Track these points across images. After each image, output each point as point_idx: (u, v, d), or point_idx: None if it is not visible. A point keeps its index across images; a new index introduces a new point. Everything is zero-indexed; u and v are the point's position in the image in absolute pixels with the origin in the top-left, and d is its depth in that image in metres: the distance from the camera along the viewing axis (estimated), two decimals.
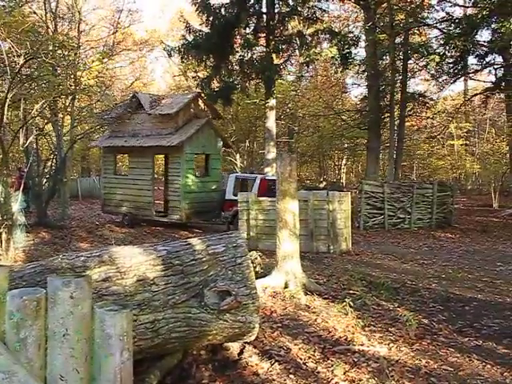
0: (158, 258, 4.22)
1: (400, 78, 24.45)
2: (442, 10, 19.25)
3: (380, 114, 22.60)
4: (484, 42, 17.32)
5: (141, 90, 38.69)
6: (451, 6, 21.29)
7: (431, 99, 26.47)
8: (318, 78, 37.61)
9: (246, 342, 4.93)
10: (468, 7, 17.05)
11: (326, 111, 30.19)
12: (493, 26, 14.24)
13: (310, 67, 34.69)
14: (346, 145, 36.42)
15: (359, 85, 30.08)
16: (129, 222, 16.89)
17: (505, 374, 4.67)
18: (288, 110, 33.88)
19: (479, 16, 13.26)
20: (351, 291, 7.50)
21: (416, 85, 36.35)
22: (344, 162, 41.63)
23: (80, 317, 2.67)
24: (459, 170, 37.16)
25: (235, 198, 14.36)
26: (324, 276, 8.69)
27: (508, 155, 31.98)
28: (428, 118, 29.69)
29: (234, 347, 4.96)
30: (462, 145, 36.28)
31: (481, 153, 35.70)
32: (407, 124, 30.45)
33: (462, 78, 34.00)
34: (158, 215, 17.15)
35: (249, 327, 4.36)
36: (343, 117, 28.34)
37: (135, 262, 4.13)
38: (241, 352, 4.92)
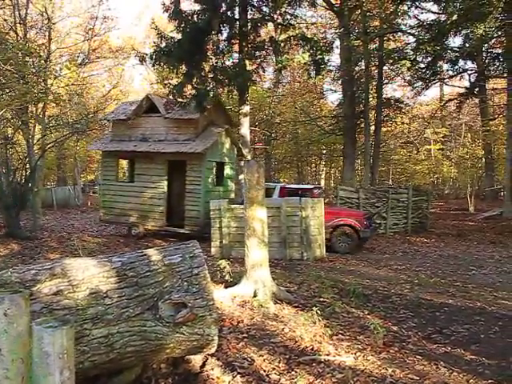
0: (112, 269, 4.07)
1: (375, 83, 24.65)
2: (415, 17, 19.41)
3: (355, 119, 22.68)
4: (455, 47, 17.47)
5: (118, 98, 38.48)
6: (423, 13, 21.54)
7: (407, 105, 26.71)
8: (295, 84, 37.67)
9: (209, 354, 4.78)
10: (439, 14, 17.19)
11: (303, 117, 30.24)
12: (462, 32, 14.35)
13: (288, 73, 35.05)
14: (324, 151, 36.54)
15: (335, 91, 30.22)
16: (137, 233, 15.72)
17: (470, 381, 4.61)
18: (264, 117, 33.85)
19: (448, 22, 13.34)
20: (322, 299, 7.40)
21: (393, 90, 36.61)
22: (323, 167, 41.76)
23: (15, 335, 2.53)
24: (436, 175, 37.39)
25: None
26: (295, 284, 8.57)
27: (483, 159, 32.39)
28: (403, 123, 29.91)
29: (197, 360, 4.80)
30: (438, 149, 36.50)
31: (457, 157, 35.97)
32: (384, 130, 30.66)
33: (438, 84, 34.42)
34: (171, 226, 15.66)
35: (207, 339, 4.21)
36: (319, 123, 28.41)
37: (88, 274, 3.97)
38: (203, 365, 4.76)
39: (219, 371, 4.64)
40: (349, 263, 11.71)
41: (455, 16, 12.76)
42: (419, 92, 24.71)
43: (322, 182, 41.28)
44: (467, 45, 15.81)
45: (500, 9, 12.19)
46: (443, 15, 15.95)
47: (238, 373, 4.60)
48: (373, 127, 26.92)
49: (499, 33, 15.68)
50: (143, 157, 15.97)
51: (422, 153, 37.05)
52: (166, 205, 15.83)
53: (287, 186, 15.58)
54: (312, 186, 15.60)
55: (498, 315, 6.90)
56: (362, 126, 24.30)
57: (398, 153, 37.69)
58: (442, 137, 36.39)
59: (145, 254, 4.29)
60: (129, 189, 16.46)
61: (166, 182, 15.77)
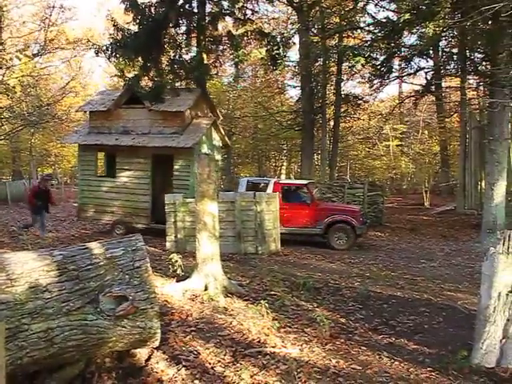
0: (53, 263, 4.01)
1: (334, 79, 24.88)
2: (372, 17, 19.65)
3: (313, 115, 22.84)
4: (407, 45, 17.78)
5: (78, 90, 37.82)
6: (380, 11, 21.85)
7: (365, 101, 27.02)
8: (256, 79, 37.66)
9: (155, 348, 4.76)
10: (394, 12, 17.49)
11: (262, 112, 30.32)
12: (414, 30, 14.62)
13: (250, 68, 35.00)
14: (284, 146, 36.70)
15: (295, 86, 30.37)
16: (121, 231, 14.63)
17: (410, 369, 4.75)
18: (224, 111, 33.78)
19: (401, 20, 13.57)
20: (272, 292, 7.46)
21: (353, 87, 36.91)
22: (284, 162, 41.97)
23: None
24: (395, 170, 38.05)
25: None
26: (248, 277, 8.61)
27: (439, 155, 33.13)
28: (358, 119, 30.28)
29: (142, 353, 4.77)
30: (397, 145, 37.17)
31: (415, 153, 36.68)
32: (343, 125, 31.01)
33: (397, 81, 34.96)
34: (157, 223, 14.55)
35: (150, 333, 4.21)
36: (278, 118, 28.51)
37: (27, 268, 3.91)
38: (148, 358, 4.73)
39: (164, 364, 4.63)
40: (303, 257, 11.83)
41: (407, 14, 13.03)
42: (378, 89, 25.00)
43: (283, 177, 41.46)
44: (420, 43, 16.11)
45: (448, 9, 12.49)
46: (397, 13, 16.26)
47: (183, 366, 4.59)
48: (332, 123, 27.22)
49: (450, 32, 16.09)
50: (126, 151, 15.13)
51: (381, 149, 37.68)
52: (151, 201, 15.04)
53: (281, 182, 15.41)
54: (307, 182, 15.47)
55: (443, 306, 7.11)
56: (321, 121, 24.50)
57: (357, 148, 38.20)
58: (401, 133, 37.07)
59: (87, 248, 4.25)
60: (110, 184, 15.51)
61: (150, 178, 15.04)
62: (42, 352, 3.81)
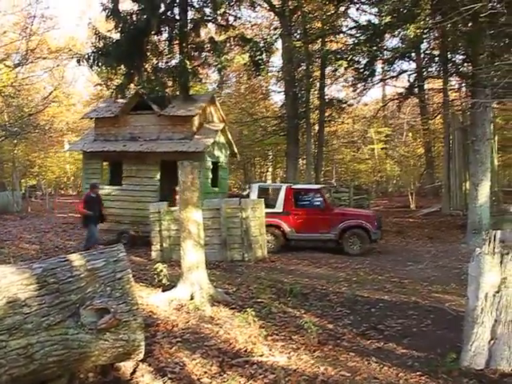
0: (32, 276, 3.92)
1: (318, 84, 24.94)
2: (354, 20, 19.73)
3: (297, 120, 22.85)
4: (389, 48, 17.87)
5: (61, 99, 37.48)
6: (362, 15, 21.90)
7: (349, 105, 27.10)
8: (241, 85, 37.62)
9: (140, 360, 4.67)
10: (375, 15, 17.59)
11: (247, 118, 30.30)
12: (395, 33, 14.68)
13: (233, 74, 34.99)
14: (270, 152, 36.68)
15: (279, 92, 30.41)
16: (128, 241, 13.97)
17: (400, 374, 4.70)
18: None
19: (382, 23, 13.62)
20: (259, 299, 7.40)
21: (338, 91, 37.07)
22: (269, 168, 41.95)
23: None
24: (380, 173, 38.21)
25: None
26: (234, 285, 8.53)
27: (424, 157, 33.33)
28: (342, 122, 30.38)
29: (127, 367, 4.67)
30: (382, 148, 37.33)
31: (400, 156, 36.87)
32: (328, 129, 31.06)
33: (380, 84, 35.15)
34: None
35: (133, 345, 4.12)
36: (262, 123, 28.51)
37: (5, 282, 3.81)
38: (133, 371, 4.64)
39: (150, 377, 4.54)
40: (290, 263, 11.75)
41: (389, 17, 13.08)
42: (362, 92, 25.11)
43: (269, 182, 41.42)
44: (401, 45, 16.19)
45: (428, 10, 12.56)
46: (379, 17, 16.31)
47: (169, 378, 4.51)
48: (317, 127, 27.26)
49: (431, 34, 16.20)
50: (133, 157, 14.82)
51: (366, 152, 37.82)
52: None
53: (293, 187, 14.85)
54: (320, 186, 15.33)
55: (431, 308, 7.08)
56: (305, 126, 24.52)
57: (342, 152, 38.29)
58: (385, 136, 37.23)
59: (67, 260, 4.16)
60: (117, 192, 15.06)
61: (158, 184, 14.79)
62: (22, 369, 3.72)
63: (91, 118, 16.70)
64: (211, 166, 15.31)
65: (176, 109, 15.07)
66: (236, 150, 17.16)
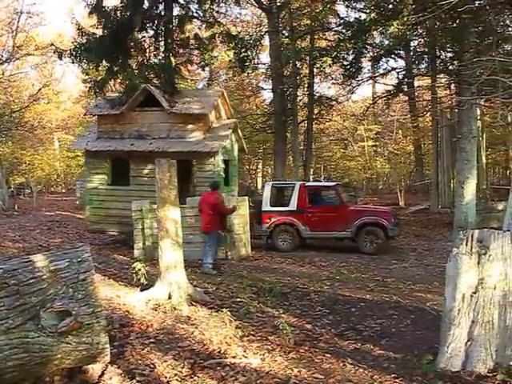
0: None
1: (307, 81, 24.82)
2: (340, 17, 19.65)
3: (284, 117, 22.75)
4: (374, 45, 17.77)
5: (50, 96, 37.19)
6: (350, 12, 21.86)
7: (338, 102, 27.01)
8: (231, 81, 37.42)
9: (110, 363, 4.54)
10: (362, 11, 17.48)
11: (236, 115, 30.13)
12: (380, 28, 14.55)
13: (223, 71, 34.83)
14: (260, 149, 36.55)
15: (267, 89, 30.27)
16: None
17: (374, 377, 4.60)
18: None
19: (367, 19, 13.52)
20: (238, 299, 7.29)
21: (328, 88, 36.90)
22: (257, 166, 41.83)
23: None
24: (370, 171, 38.14)
25: (273, 208, 13.74)
26: (214, 284, 8.41)
27: (414, 155, 33.33)
28: (330, 120, 30.29)
29: (95, 369, 4.53)
30: (372, 146, 37.28)
31: (390, 153, 36.82)
32: (317, 127, 30.98)
33: (369, 82, 35.07)
34: None
35: (98, 348, 4.00)
36: (250, 120, 28.38)
37: None
38: (101, 374, 4.50)
39: (118, 380, 4.42)
40: (273, 261, 11.67)
41: (374, 14, 12.99)
42: (350, 90, 25.00)
43: (259, 180, 41.31)
44: (386, 42, 16.12)
45: (411, 6, 12.46)
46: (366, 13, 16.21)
47: (137, 381, 4.38)
48: (306, 124, 27.15)
49: (417, 32, 16.10)
50: (142, 157, 13.91)
51: (356, 149, 37.77)
52: None
53: (307, 184, 14.58)
54: (335, 183, 15.10)
55: (412, 308, 7.02)
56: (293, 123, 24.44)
57: (332, 150, 38.22)
58: (375, 133, 37.19)
59: (30, 260, 4.02)
60: (123, 193, 13.95)
61: None
62: None
63: (93, 115, 15.95)
64: (223, 166, 14.53)
65: (187, 106, 14.32)
66: (245, 146, 16.59)
